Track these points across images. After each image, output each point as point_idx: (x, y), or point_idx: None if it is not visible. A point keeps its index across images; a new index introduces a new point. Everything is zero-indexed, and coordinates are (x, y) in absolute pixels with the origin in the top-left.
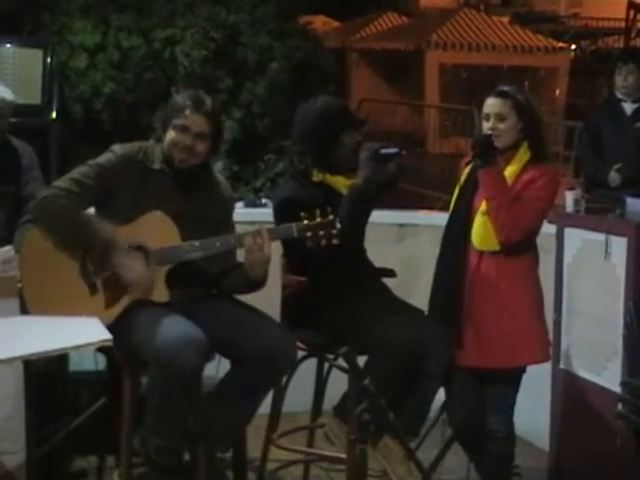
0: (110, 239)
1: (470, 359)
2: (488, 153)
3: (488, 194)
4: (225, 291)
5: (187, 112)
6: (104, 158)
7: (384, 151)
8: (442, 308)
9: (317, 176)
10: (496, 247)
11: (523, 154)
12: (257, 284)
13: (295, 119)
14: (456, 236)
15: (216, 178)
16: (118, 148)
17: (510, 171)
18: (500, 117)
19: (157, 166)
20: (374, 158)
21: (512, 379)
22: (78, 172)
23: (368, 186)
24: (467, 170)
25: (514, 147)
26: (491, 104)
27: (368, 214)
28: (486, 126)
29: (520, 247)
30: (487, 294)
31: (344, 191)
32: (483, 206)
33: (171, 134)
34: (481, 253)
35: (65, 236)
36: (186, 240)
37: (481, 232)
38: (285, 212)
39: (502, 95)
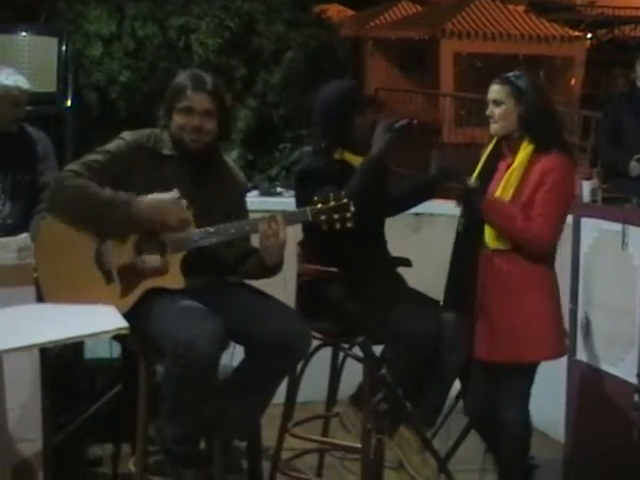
0: (126, 200)
1: (483, 353)
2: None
3: (496, 226)
4: (241, 277)
5: (188, 92)
6: (114, 145)
7: (398, 125)
8: (455, 302)
9: (338, 154)
10: (505, 245)
11: (526, 145)
12: (273, 269)
13: (313, 105)
14: (469, 230)
15: (227, 163)
16: (128, 135)
17: (518, 164)
18: (496, 103)
19: (168, 152)
20: (388, 131)
21: (526, 372)
22: (89, 158)
23: (381, 156)
24: (481, 163)
25: (520, 137)
26: (490, 90)
27: (381, 189)
28: (487, 112)
29: (545, 254)
30: (500, 289)
31: None
32: None
33: (177, 118)
34: (492, 250)
35: (83, 211)
36: (200, 226)
37: (492, 231)
38: (304, 182)
39: (501, 81)
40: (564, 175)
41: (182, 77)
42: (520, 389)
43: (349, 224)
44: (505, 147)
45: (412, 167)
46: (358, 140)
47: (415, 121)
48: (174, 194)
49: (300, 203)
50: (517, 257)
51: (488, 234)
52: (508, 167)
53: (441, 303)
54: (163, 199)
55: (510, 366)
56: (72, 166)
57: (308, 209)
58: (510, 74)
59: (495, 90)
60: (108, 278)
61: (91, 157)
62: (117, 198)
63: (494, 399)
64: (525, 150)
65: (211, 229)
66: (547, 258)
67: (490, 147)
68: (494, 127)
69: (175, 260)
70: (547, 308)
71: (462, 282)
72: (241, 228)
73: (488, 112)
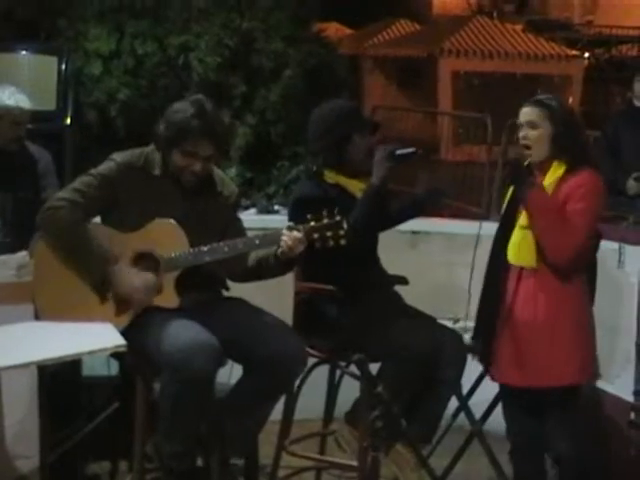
0: (104, 263)
1: (512, 379)
2: (521, 177)
3: (533, 217)
4: (262, 277)
5: (196, 138)
6: (105, 167)
7: (399, 152)
8: (483, 324)
9: (331, 177)
10: (532, 264)
11: (558, 166)
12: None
13: (309, 121)
14: (498, 254)
15: (217, 177)
16: (118, 156)
17: (547, 184)
18: (532, 125)
19: (158, 172)
20: (390, 159)
21: (569, 399)
22: (81, 182)
23: (383, 186)
24: (509, 195)
25: (550, 159)
26: (524, 112)
27: (382, 217)
28: (520, 134)
29: (569, 267)
30: (529, 312)
31: (357, 194)
32: (522, 220)
33: (178, 158)
34: (521, 270)
35: (63, 253)
36: (194, 243)
37: (517, 247)
38: (300, 210)
39: (536, 104)
40: (594, 188)
41: (190, 114)
42: (568, 422)
43: (342, 242)
44: (535, 169)
45: (406, 184)
46: (353, 163)
47: (420, 151)
48: (149, 281)
49: None
50: (546, 276)
51: (511, 250)
52: None
53: (439, 319)
54: (136, 285)
55: (551, 393)
56: (66, 194)
57: (301, 227)
58: (542, 96)
59: (530, 112)
60: (102, 298)
61: (84, 181)
62: (100, 254)
63: (540, 428)
64: (556, 171)
65: (205, 248)
66: (579, 274)
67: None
68: (531, 154)
69: (169, 279)
70: (579, 330)
71: (488, 304)
72: (234, 247)
73: (522, 135)
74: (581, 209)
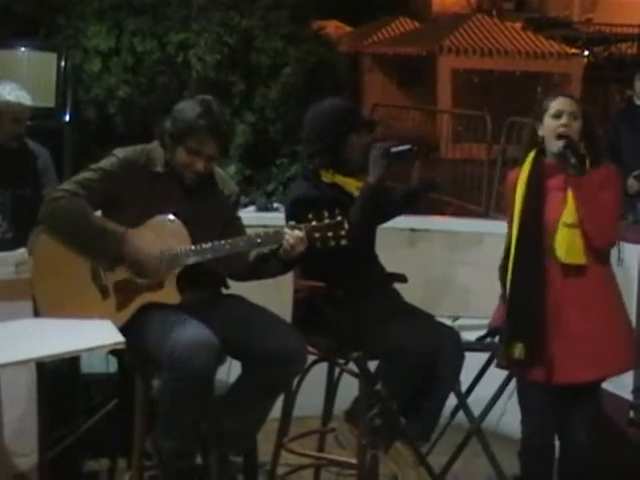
0: (119, 235)
1: (566, 376)
2: (578, 152)
3: (584, 200)
4: (262, 277)
5: (202, 136)
6: (107, 162)
7: (395, 149)
8: (525, 327)
9: (327, 177)
10: (583, 260)
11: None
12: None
13: (304, 121)
14: (530, 252)
15: (218, 176)
16: (120, 152)
17: None
18: (574, 116)
19: (160, 169)
20: (385, 157)
21: (596, 394)
22: (82, 176)
23: (380, 185)
24: (523, 180)
25: None
26: (566, 102)
27: (379, 215)
28: (556, 123)
29: (605, 255)
30: (577, 307)
31: (355, 192)
32: (566, 218)
33: (182, 154)
34: (563, 267)
35: (75, 238)
36: (194, 240)
37: (567, 245)
38: (297, 211)
39: (572, 97)
40: (619, 180)
41: (198, 113)
42: (590, 413)
43: (343, 242)
44: (561, 162)
45: (403, 181)
46: (350, 162)
47: (415, 148)
48: (156, 257)
49: None
50: (594, 270)
51: (561, 249)
52: (561, 185)
53: (438, 316)
54: (146, 256)
55: (583, 389)
56: (67, 186)
57: (302, 226)
58: (566, 93)
59: (571, 103)
60: (104, 293)
61: (85, 175)
62: (112, 231)
63: (555, 427)
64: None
65: (206, 245)
66: (607, 263)
67: (529, 166)
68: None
69: (171, 275)
70: (622, 317)
71: (530, 303)
72: (235, 245)
73: (564, 122)
74: (611, 197)
